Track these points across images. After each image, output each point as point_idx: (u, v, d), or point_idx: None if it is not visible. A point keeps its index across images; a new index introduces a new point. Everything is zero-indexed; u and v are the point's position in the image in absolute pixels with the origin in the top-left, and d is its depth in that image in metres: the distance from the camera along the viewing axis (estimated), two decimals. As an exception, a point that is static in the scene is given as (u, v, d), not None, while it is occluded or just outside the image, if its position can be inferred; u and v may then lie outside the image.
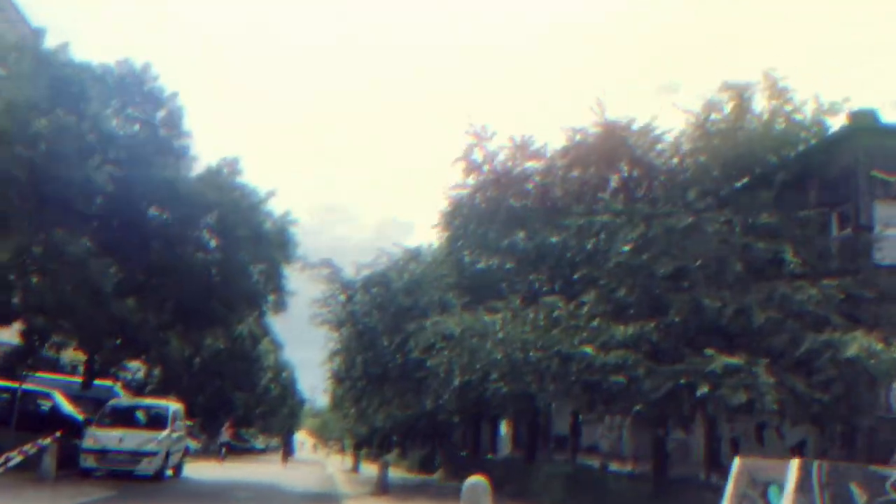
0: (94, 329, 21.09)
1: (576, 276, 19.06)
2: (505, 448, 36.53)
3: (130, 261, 22.42)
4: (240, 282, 23.19)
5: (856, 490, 8.34)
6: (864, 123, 17.50)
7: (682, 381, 14.37)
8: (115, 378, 46.37)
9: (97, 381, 31.65)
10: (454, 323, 17.18)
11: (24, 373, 23.28)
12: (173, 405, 24.24)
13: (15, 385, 22.33)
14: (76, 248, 18.53)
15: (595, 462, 26.29)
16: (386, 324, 22.75)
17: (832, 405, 13.96)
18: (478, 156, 21.61)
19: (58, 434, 18.35)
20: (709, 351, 13.96)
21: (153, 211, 22.71)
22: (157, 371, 53.83)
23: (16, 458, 16.34)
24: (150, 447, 20.83)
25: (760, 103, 18.70)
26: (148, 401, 26.98)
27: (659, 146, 18.98)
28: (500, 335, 16.42)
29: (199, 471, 28.80)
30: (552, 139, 21.38)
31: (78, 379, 30.52)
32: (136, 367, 51.73)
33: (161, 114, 23.50)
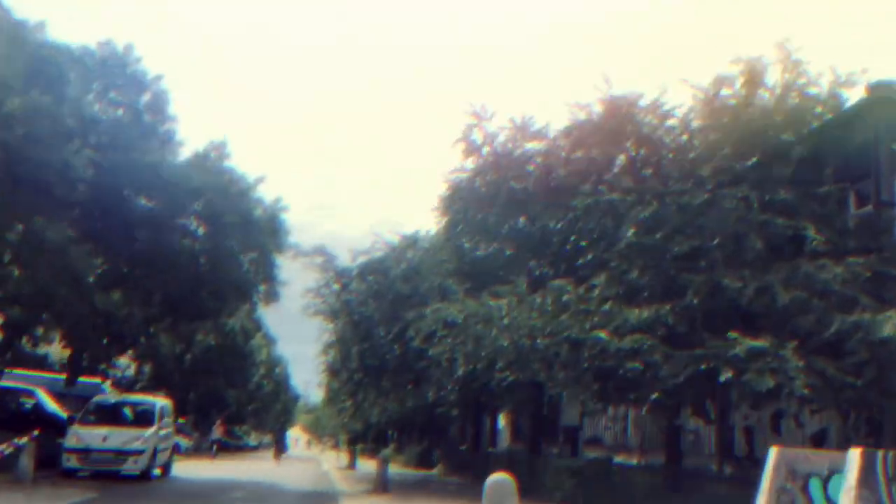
0: (74, 319, 20.07)
1: (581, 261, 18.23)
2: (503, 441, 35.70)
3: (114, 251, 21.46)
4: (229, 271, 22.19)
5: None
6: (883, 95, 16.55)
7: (703, 366, 13.45)
8: (105, 375, 45.59)
9: (84, 379, 30.74)
10: (457, 309, 16.25)
11: (2, 369, 22.24)
12: (160, 401, 23.24)
13: (-6, 382, 21.35)
14: (55, 235, 17.50)
15: (598, 454, 25.47)
16: (383, 313, 21.72)
17: (864, 390, 13.03)
18: (477, 137, 20.71)
19: (35, 433, 17.32)
20: (732, 334, 13.02)
21: (138, 198, 21.65)
22: (147, 368, 53.20)
23: (-9, 458, 15.37)
24: (136, 445, 19.85)
25: (774, 77, 17.82)
26: (134, 397, 25.98)
27: (669, 122, 17.99)
28: (506, 321, 15.52)
29: (190, 469, 27.82)
30: (554, 119, 20.53)
31: (64, 376, 29.56)
32: (126, 364, 51.05)
33: (145, 98, 22.53)
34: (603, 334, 13.78)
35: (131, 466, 19.77)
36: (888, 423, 14.99)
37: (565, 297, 15.31)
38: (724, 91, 17.93)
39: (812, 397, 13.22)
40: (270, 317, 64.57)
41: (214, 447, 49.05)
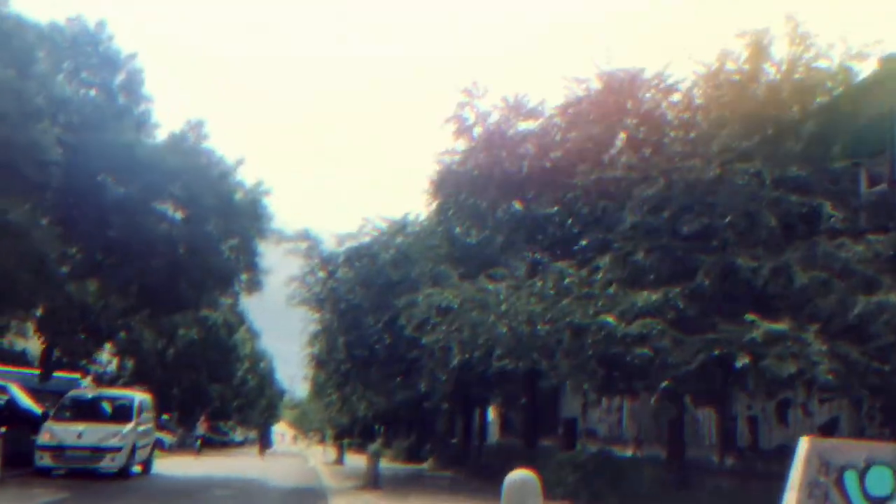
0: (45, 309, 18.96)
1: (580, 245, 17.35)
2: (492, 435, 34.89)
3: (88, 238, 20.32)
4: (208, 258, 21.10)
5: None
6: (896, 69, 15.83)
7: (716, 352, 12.57)
8: (85, 371, 44.54)
9: (62, 374, 29.71)
10: (452, 294, 15.28)
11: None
12: (139, 395, 22.18)
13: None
14: (18, 217, 16.39)
15: (592, 447, 24.66)
16: (371, 301, 20.63)
17: (890, 375, 12.17)
18: (469, 116, 19.77)
19: (2, 430, 16.27)
20: (749, 316, 12.13)
21: (112, 182, 20.53)
22: (129, 363, 52.22)
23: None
24: (113, 442, 18.83)
25: (781, 51, 16.97)
26: (112, 391, 24.90)
27: (673, 97, 17.10)
28: (503, 307, 14.59)
29: (173, 466, 26.79)
30: (550, 97, 19.61)
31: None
32: (107, 360, 50.07)
33: (119, 78, 21.45)
34: (610, 319, 12.87)
35: (108, 464, 18.77)
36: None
37: (567, 281, 14.41)
38: (729, 66, 17.16)
39: (836, 384, 12.37)
40: (255, 312, 63.67)
41: (199, 443, 48.01)
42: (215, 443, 61.64)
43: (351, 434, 60.67)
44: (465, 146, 20.39)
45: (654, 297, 13.28)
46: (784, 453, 17.42)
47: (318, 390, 46.16)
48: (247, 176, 23.31)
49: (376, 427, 57.64)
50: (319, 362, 27.05)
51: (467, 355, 15.02)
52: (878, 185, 15.87)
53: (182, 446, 48.63)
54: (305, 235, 22.92)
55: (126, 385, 41.05)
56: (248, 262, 23.30)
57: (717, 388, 13.38)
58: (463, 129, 19.90)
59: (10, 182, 16.35)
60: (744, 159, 14.87)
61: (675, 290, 13.47)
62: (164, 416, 56.83)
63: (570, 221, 19.32)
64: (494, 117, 19.77)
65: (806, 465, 8.35)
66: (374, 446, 20.04)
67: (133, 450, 19.57)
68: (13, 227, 16.02)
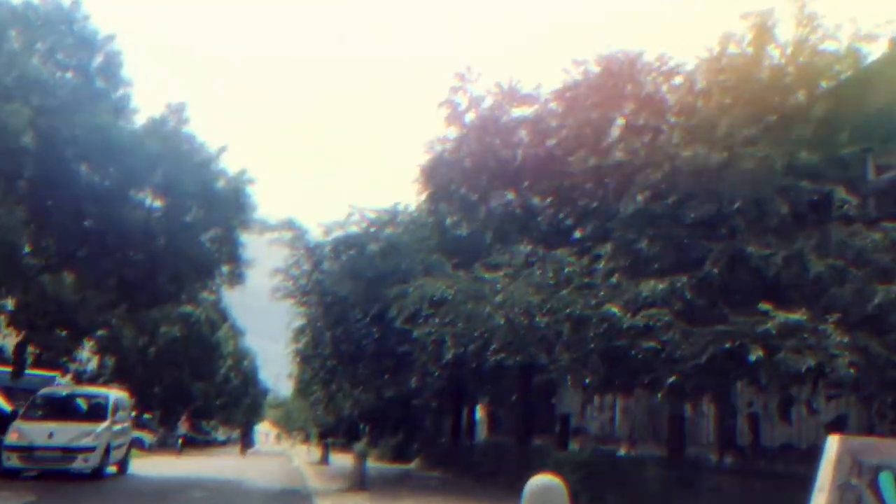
0: (16, 302, 17.99)
1: (577, 235, 16.62)
2: (480, 433, 34.15)
3: (63, 228, 19.34)
4: (188, 249, 20.12)
5: None
6: (908, 51, 15.15)
7: (727, 344, 11.81)
8: (65, 369, 43.49)
9: (37, 371, 28.75)
10: (445, 284, 14.45)
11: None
12: (115, 393, 21.23)
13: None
14: (-20, 204, 15.47)
15: (581, 446, 23.96)
16: (359, 294, 19.75)
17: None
18: (461, 101, 19.00)
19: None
20: (764, 306, 11.37)
21: (88, 169, 19.54)
22: (110, 361, 51.28)
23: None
24: (86, 442, 17.90)
25: (788, 32, 16.28)
26: (86, 389, 23.90)
27: (675, 80, 16.36)
28: (499, 298, 13.80)
29: (152, 466, 25.86)
30: (546, 82, 18.90)
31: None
32: (87, 358, 49.12)
33: (97, 60, 20.46)
34: (615, 309, 12.09)
35: (81, 465, 17.84)
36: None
37: (567, 270, 13.63)
38: (732, 49, 16.46)
39: (854, 379, 11.64)
40: (238, 310, 62.75)
41: (180, 442, 47.07)
42: (197, 442, 60.70)
43: (336, 433, 59.79)
44: (457, 133, 19.67)
45: (661, 286, 12.55)
46: (787, 452, 16.80)
47: (302, 388, 45.19)
48: (231, 166, 22.35)
49: (361, 426, 56.77)
50: (304, 358, 26.15)
51: (461, 349, 14.22)
52: (886, 172, 15.25)
53: (163, 446, 47.64)
54: (290, 224, 21.89)
55: (106, 383, 40.00)
56: (230, 254, 22.33)
57: (726, 383, 12.57)
58: (455, 115, 19.15)
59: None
60: (751, 144, 14.19)
61: (682, 279, 12.75)
62: (146, 415, 55.93)
63: (566, 211, 18.63)
64: (488, 103, 19.07)
65: (837, 465, 7.58)
66: (359, 445, 19.18)
67: (107, 450, 18.65)
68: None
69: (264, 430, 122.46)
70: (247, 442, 55.17)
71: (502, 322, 13.08)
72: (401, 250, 19.46)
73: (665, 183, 13.80)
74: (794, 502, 8.15)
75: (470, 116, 19.34)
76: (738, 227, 12.99)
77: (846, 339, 11.04)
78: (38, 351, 30.44)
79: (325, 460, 32.70)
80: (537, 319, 13.42)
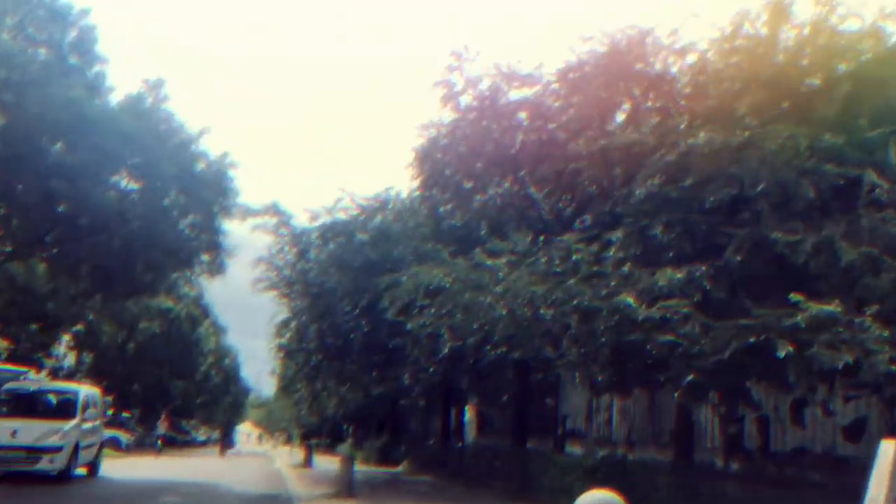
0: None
1: (583, 222, 15.58)
2: (469, 435, 33.08)
3: (31, 211, 18.09)
4: (166, 235, 18.87)
5: None
6: (935, 29, 14.16)
7: (752, 339, 10.77)
8: (40, 365, 42.15)
9: (8, 367, 27.41)
10: (443, 272, 13.34)
11: None
12: (86, 389, 19.97)
13: None
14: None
15: (578, 449, 22.96)
16: (347, 284, 18.52)
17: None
18: (458, 81, 17.90)
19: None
20: (795, 297, 10.33)
21: (61, 149, 18.27)
22: (88, 357, 50.12)
23: None
24: (52, 441, 16.67)
25: (807, 11, 15.29)
26: (55, 384, 22.59)
27: (689, 58, 15.32)
28: (499, 289, 12.71)
29: (127, 468, 24.60)
30: (548, 62, 17.84)
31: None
32: (64, 354, 47.96)
33: (71, 35, 19.25)
34: (630, 299, 11.02)
35: (46, 466, 16.61)
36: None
37: (575, 258, 12.56)
38: (747, 28, 15.46)
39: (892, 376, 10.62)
40: (221, 307, 61.54)
41: (159, 443, 45.71)
42: (177, 442, 59.31)
43: (319, 434, 58.67)
44: (452, 116, 18.60)
45: (680, 275, 11.50)
46: (800, 457, 15.77)
47: (285, 386, 43.95)
48: (213, 149, 21.03)
49: (345, 427, 55.64)
50: (288, 353, 24.87)
51: (459, 342, 13.10)
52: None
53: (141, 446, 46.21)
54: (274, 209, 20.46)
55: (84, 380, 38.67)
56: (211, 242, 21.08)
57: (748, 381, 11.54)
58: (451, 96, 18.07)
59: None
60: (772, 123, 13.20)
61: (700, 268, 11.71)
62: (125, 414, 54.57)
63: (567, 198, 17.60)
64: (485, 84, 17.96)
65: (893, 473, 6.59)
66: (344, 447, 18.02)
67: (76, 450, 17.44)
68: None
69: (246, 431, 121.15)
70: (227, 442, 53.85)
71: (504, 313, 11.97)
72: (392, 238, 18.31)
73: (680, 165, 12.78)
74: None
75: (466, 99, 18.28)
76: (762, 211, 11.97)
77: (886, 333, 10.04)
78: (11, 346, 29.23)
79: (308, 463, 31.39)
80: (542, 311, 12.36)
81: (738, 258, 11.65)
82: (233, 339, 73.97)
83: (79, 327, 44.85)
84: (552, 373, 21.18)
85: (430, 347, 14.75)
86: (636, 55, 15.76)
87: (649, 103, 16.42)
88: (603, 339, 11.78)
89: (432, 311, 13.25)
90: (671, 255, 12.64)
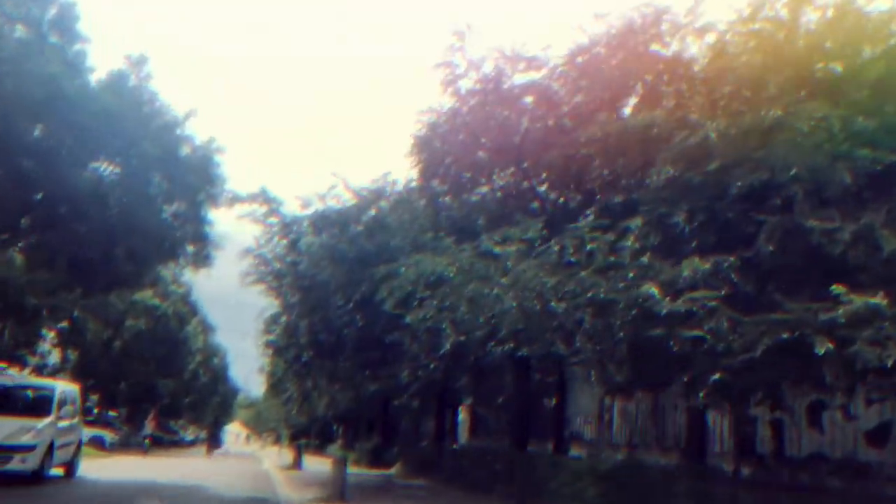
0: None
1: (589, 213, 14.63)
2: (461, 437, 32.14)
3: (5, 197, 17.00)
4: (148, 222, 17.77)
5: None
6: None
7: (785, 335, 9.84)
8: (23, 362, 41.00)
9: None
10: (446, 261, 12.33)
11: None
12: (63, 385, 18.87)
13: None
14: None
15: (579, 452, 22.06)
16: (340, 278, 17.41)
17: None
18: (460, 62, 16.93)
19: None
20: (837, 288, 9.40)
21: (40, 133, 17.16)
22: (73, 355, 49.11)
23: None
24: (25, 440, 15.57)
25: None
26: (29, 380, 21.48)
27: (708, 37, 14.39)
28: (505, 280, 11.73)
29: (112, 468, 23.45)
30: (556, 44, 16.91)
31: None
32: (48, 351, 46.98)
33: (50, 12, 18.20)
34: (655, 289, 10.05)
35: (18, 466, 15.50)
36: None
37: (589, 247, 11.59)
38: (767, 11, 14.56)
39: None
40: (209, 306, 60.43)
41: (146, 442, 44.61)
42: (164, 442, 58.17)
43: (309, 434, 57.64)
44: (452, 103, 17.64)
45: (706, 266, 10.55)
46: (817, 462, 14.83)
47: (274, 384, 42.91)
48: (199, 133, 19.99)
49: (335, 427, 54.63)
50: (277, 350, 23.74)
51: (462, 337, 12.09)
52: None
53: (126, 445, 45.01)
54: (263, 196, 19.09)
55: (69, 379, 37.55)
56: (196, 232, 19.96)
57: (779, 381, 10.60)
58: (452, 80, 17.10)
59: None
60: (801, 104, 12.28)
61: (728, 258, 10.76)
62: (111, 413, 53.39)
63: (573, 187, 16.69)
64: (489, 67, 17.00)
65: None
66: (334, 447, 17.02)
67: (51, 449, 16.36)
68: None
69: (235, 431, 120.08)
70: (214, 442, 52.78)
71: (514, 305, 10.98)
72: (388, 228, 17.27)
73: (704, 148, 11.85)
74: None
75: (468, 83, 17.32)
76: (794, 197, 11.01)
77: (936, 328, 9.11)
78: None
79: (297, 464, 30.28)
80: (553, 304, 11.39)
81: (771, 248, 10.72)
82: (221, 338, 72.90)
83: (64, 324, 43.81)
84: (554, 372, 20.26)
85: (431, 343, 13.74)
86: (652, 35, 14.86)
87: (664, 87, 15.53)
88: (620, 335, 10.83)
89: (434, 303, 12.25)
90: (693, 245, 11.74)
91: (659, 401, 19.80)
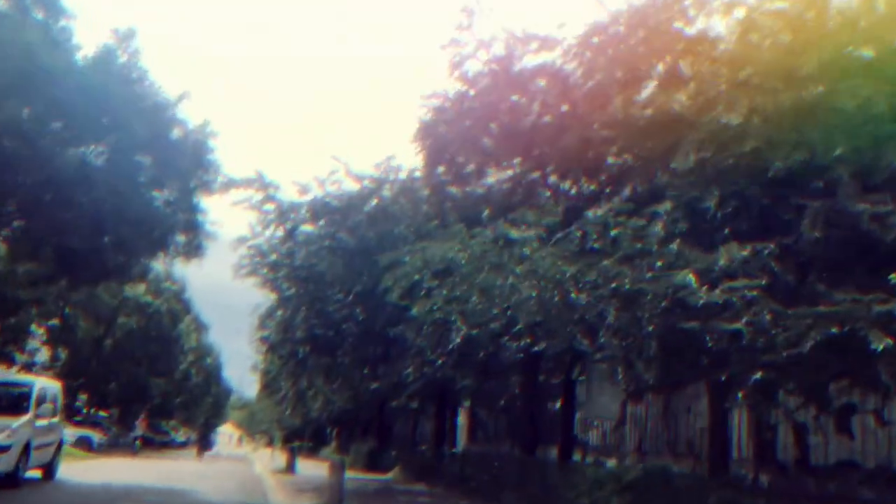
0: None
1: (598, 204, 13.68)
2: (460, 440, 31.18)
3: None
4: (137, 209, 16.75)
5: None
6: None
7: (834, 329, 8.89)
8: (11, 360, 40.08)
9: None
10: (457, 247, 11.34)
11: None
12: (43, 382, 17.84)
13: None
14: None
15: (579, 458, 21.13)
16: (339, 269, 16.39)
17: None
18: (468, 41, 16.00)
19: None
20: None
21: (24, 110, 16.10)
22: (63, 353, 48.34)
23: None
24: (-2, 440, 14.56)
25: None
26: (7, 376, 20.44)
27: (737, 11, 13.42)
28: (520, 269, 10.77)
29: (96, 470, 22.42)
30: (570, 22, 15.92)
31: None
32: (37, 348, 46.23)
33: (33, -15, 17.19)
34: (692, 277, 9.09)
35: (-9, 467, 14.51)
36: None
37: (613, 233, 10.64)
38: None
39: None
40: (203, 306, 59.51)
41: (137, 444, 43.59)
42: (155, 443, 57.09)
43: (302, 436, 56.64)
44: (459, 86, 16.73)
45: (744, 253, 9.60)
46: (845, 471, 13.86)
47: (268, 383, 41.91)
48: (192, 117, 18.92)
49: (329, 429, 53.65)
50: (272, 346, 22.68)
51: (474, 331, 11.10)
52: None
53: (115, 446, 43.88)
54: (259, 182, 17.83)
55: (58, 378, 36.54)
56: (188, 221, 18.95)
57: (828, 380, 9.64)
58: (459, 62, 16.19)
59: None
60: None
61: (769, 245, 9.81)
62: (102, 413, 52.36)
63: (588, 176, 15.76)
64: (499, 48, 16.08)
65: None
66: (328, 450, 16.04)
67: (27, 449, 15.33)
68: None
69: (227, 432, 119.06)
70: (204, 444, 51.73)
71: (534, 295, 9.99)
72: (392, 217, 16.27)
73: (738, 128, 10.91)
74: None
75: (476, 65, 16.40)
76: (840, 180, 10.06)
77: None
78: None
79: (291, 468, 29.15)
80: (573, 296, 10.43)
81: (816, 234, 9.78)
82: (215, 338, 72.02)
83: (54, 321, 42.86)
84: (560, 373, 19.33)
85: (438, 337, 12.75)
86: (677, 10, 13.91)
87: (685, 69, 14.62)
88: (651, 328, 9.86)
89: (443, 292, 11.25)
90: (727, 231, 10.80)
91: (670, 404, 18.93)
